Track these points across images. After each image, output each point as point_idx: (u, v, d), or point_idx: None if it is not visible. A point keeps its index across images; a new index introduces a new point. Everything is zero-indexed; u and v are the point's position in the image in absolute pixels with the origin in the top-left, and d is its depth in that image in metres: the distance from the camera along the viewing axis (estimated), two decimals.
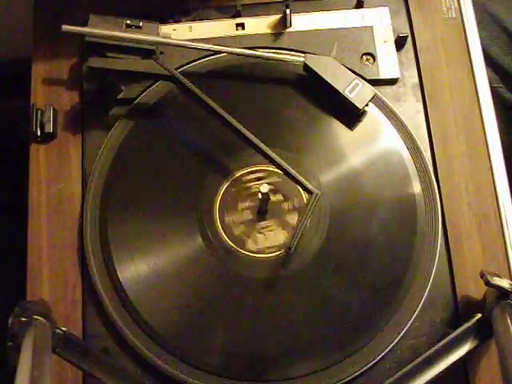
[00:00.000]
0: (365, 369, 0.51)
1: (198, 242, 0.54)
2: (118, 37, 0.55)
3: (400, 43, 0.61)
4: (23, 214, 0.56)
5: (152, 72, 0.58)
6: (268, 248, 0.54)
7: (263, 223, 0.55)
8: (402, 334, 0.51)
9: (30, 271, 0.55)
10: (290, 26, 0.62)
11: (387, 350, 0.51)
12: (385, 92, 0.59)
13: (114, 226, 0.55)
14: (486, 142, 0.57)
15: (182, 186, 0.57)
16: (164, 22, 0.61)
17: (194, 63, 0.60)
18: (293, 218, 0.55)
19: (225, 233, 0.55)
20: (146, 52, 0.57)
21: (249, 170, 0.57)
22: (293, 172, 0.53)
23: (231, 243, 0.54)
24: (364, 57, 0.60)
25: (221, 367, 0.51)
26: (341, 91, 0.57)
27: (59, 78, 0.61)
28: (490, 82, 0.60)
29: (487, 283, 0.48)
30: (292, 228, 0.54)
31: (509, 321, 0.46)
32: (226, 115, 0.55)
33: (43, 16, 0.62)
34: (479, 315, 0.50)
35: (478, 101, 0.59)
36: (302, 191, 0.55)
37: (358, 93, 0.56)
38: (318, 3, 0.63)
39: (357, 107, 0.56)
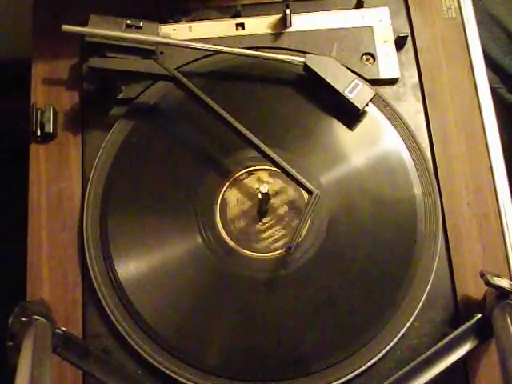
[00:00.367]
0: (365, 369, 0.51)
1: (197, 242, 0.54)
2: (118, 37, 0.55)
3: (400, 43, 0.61)
4: (23, 213, 0.56)
5: (152, 72, 0.58)
6: (268, 248, 0.54)
7: (263, 223, 0.55)
8: (401, 333, 0.51)
9: (30, 271, 0.55)
10: (290, 25, 0.62)
11: (387, 349, 0.51)
12: (385, 92, 0.59)
13: (113, 226, 0.55)
14: (486, 142, 0.57)
15: (182, 186, 0.57)
16: (164, 22, 0.61)
17: (193, 63, 0.60)
18: (293, 218, 0.55)
19: (225, 233, 0.55)
20: (146, 52, 0.56)
21: (249, 170, 0.57)
22: (293, 172, 0.53)
23: (231, 243, 0.54)
24: (364, 57, 0.60)
25: (221, 367, 0.51)
26: (341, 91, 0.57)
27: (59, 78, 0.61)
28: (490, 83, 0.60)
29: (487, 283, 0.48)
30: (292, 228, 0.54)
31: (509, 321, 0.46)
32: (225, 115, 0.55)
33: (43, 16, 0.62)
34: (479, 315, 0.50)
35: (478, 101, 0.59)
36: (302, 191, 0.55)
37: (358, 93, 0.56)
38: (317, 3, 0.63)
39: (357, 107, 0.56)
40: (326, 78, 0.57)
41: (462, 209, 0.55)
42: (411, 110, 0.59)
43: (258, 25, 0.62)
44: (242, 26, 0.62)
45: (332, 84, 0.57)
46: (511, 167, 0.58)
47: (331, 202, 0.55)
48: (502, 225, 0.55)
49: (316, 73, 0.57)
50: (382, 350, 0.51)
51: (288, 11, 0.60)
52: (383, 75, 0.59)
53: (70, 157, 0.58)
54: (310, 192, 0.53)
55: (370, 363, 0.51)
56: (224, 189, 0.56)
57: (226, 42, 0.61)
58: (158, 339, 0.51)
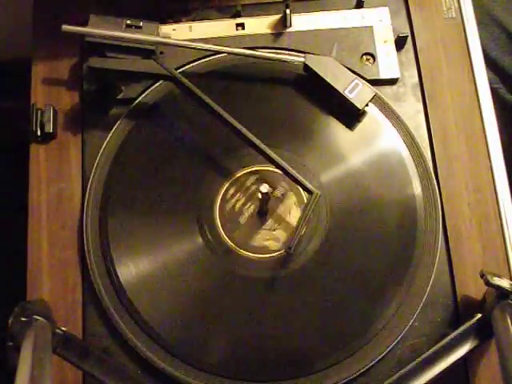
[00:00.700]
0: (365, 369, 0.51)
1: (197, 242, 0.54)
2: (118, 37, 0.55)
3: (400, 43, 0.61)
4: (23, 213, 0.56)
5: (152, 72, 0.58)
6: (268, 248, 0.54)
7: (263, 223, 0.55)
8: (402, 334, 0.51)
9: (30, 271, 0.55)
10: (290, 25, 0.62)
11: (387, 349, 0.51)
12: (385, 92, 0.59)
13: (114, 226, 0.55)
14: (486, 142, 0.57)
15: (182, 186, 0.57)
16: (164, 22, 0.61)
17: (193, 63, 0.60)
18: (293, 218, 0.55)
19: (225, 233, 0.55)
20: (146, 52, 0.57)
21: (249, 170, 0.57)
22: (293, 172, 0.53)
23: (231, 243, 0.54)
24: (364, 57, 0.60)
25: (221, 367, 0.51)
26: (341, 91, 0.57)
27: (59, 78, 0.61)
28: (490, 83, 0.60)
29: (487, 283, 0.48)
30: (292, 228, 0.54)
31: (509, 321, 0.46)
32: (225, 115, 0.55)
33: (43, 16, 0.62)
34: (479, 315, 0.50)
35: (478, 101, 0.59)
36: (302, 191, 0.55)
37: (357, 93, 0.56)
38: (317, 3, 0.63)
39: (357, 107, 0.56)
40: (325, 78, 0.57)
41: (462, 209, 0.55)
42: (411, 109, 0.59)
43: (258, 25, 0.62)
44: (242, 26, 0.62)
45: (332, 84, 0.57)
46: (511, 167, 0.58)
47: (331, 202, 0.55)
48: (501, 225, 0.55)
49: (316, 73, 0.57)
50: (382, 350, 0.51)
51: (288, 11, 0.60)
52: (383, 75, 0.59)
53: (70, 157, 0.58)
54: (310, 192, 0.53)
55: (370, 363, 0.51)
56: (224, 189, 0.56)
57: (226, 42, 0.61)
58: (158, 339, 0.51)
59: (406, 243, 0.54)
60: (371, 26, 0.61)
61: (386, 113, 0.58)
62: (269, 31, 0.62)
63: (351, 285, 0.53)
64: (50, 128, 0.58)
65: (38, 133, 0.58)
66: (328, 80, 0.57)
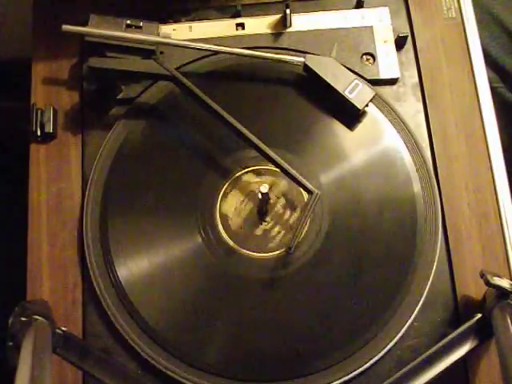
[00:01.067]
0: (365, 369, 0.51)
1: (197, 242, 0.54)
2: (118, 37, 0.55)
3: (400, 43, 0.61)
4: (23, 213, 0.56)
5: (152, 72, 0.58)
6: (268, 248, 0.54)
7: (263, 223, 0.55)
8: (401, 333, 0.51)
9: (30, 271, 0.55)
10: (290, 25, 0.62)
11: (387, 349, 0.51)
12: (385, 92, 0.59)
13: (114, 226, 0.55)
14: (486, 142, 0.57)
15: (182, 186, 0.57)
16: (164, 22, 0.61)
17: (193, 63, 0.60)
18: (293, 218, 0.55)
19: (225, 233, 0.55)
20: (146, 52, 0.57)
21: (249, 170, 0.57)
22: (293, 172, 0.53)
23: (231, 243, 0.54)
24: (364, 57, 0.60)
25: (221, 367, 0.51)
26: (341, 91, 0.57)
27: (59, 78, 0.61)
28: (490, 82, 0.60)
29: (487, 283, 0.48)
30: (292, 228, 0.54)
31: (509, 321, 0.46)
32: (225, 115, 0.55)
33: (43, 16, 0.62)
34: (479, 315, 0.50)
35: (478, 101, 0.59)
36: (302, 191, 0.55)
37: (358, 93, 0.56)
38: (317, 3, 0.63)
39: (357, 108, 0.56)
40: (325, 78, 0.57)
41: (462, 209, 0.55)
42: (411, 109, 0.59)
43: (258, 25, 0.62)
44: (242, 25, 0.62)
45: (332, 84, 0.57)
46: (511, 167, 0.58)
47: (331, 201, 0.55)
48: (501, 225, 0.55)
49: (316, 73, 0.57)
50: (382, 350, 0.51)
51: (288, 11, 0.60)
52: (383, 75, 0.59)
53: (70, 157, 0.58)
54: (310, 192, 0.53)
55: (370, 363, 0.51)
56: (224, 189, 0.56)
57: (226, 41, 0.61)
58: (158, 339, 0.51)
59: (405, 243, 0.54)
60: (371, 26, 0.61)
61: (386, 113, 0.58)
62: (269, 31, 0.62)
63: (351, 285, 0.53)
64: (50, 128, 0.58)
65: (38, 133, 0.58)
66: (328, 80, 0.57)
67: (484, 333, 0.50)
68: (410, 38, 0.61)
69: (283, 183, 0.56)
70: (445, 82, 0.59)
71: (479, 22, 0.62)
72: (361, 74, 0.59)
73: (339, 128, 0.58)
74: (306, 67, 0.58)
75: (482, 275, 0.49)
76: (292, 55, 0.59)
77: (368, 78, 0.59)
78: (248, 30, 0.62)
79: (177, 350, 0.51)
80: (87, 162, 0.58)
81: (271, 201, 0.55)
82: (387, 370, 0.51)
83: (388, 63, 0.60)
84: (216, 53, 0.60)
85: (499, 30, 0.77)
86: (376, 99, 0.58)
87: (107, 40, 0.56)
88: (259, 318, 0.52)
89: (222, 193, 0.56)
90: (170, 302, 0.53)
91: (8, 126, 0.80)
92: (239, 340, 0.52)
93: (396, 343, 0.51)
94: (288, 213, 0.55)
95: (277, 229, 0.55)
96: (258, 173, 0.57)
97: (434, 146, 0.57)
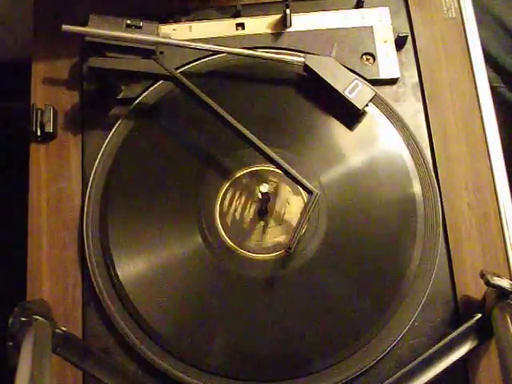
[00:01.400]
0: (365, 369, 0.51)
1: (197, 242, 0.54)
2: (118, 37, 0.55)
3: (400, 43, 0.61)
4: (23, 213, 0.56)
5: (152, 72, 0.58)
6: (268, 248, 0.54)
7: (263, 223, 0.55)
8: (401, 334, 0.51)
9: (30, 271, 0.55)
10: (290, 25, 0.62)
11: (387, 349, 0.51)
12: (385, 92, 0.59)
13: (114, 226, 0.55)
14: (486, 142, 0.57)
15: (182, 186, 0.57)
16: (164, 22, 0.61)
17: (193, 63, 0.60)
18: (293, 218, 0.55)
19: (225, 233, 0.55)
20: (146, 52, 0.56)
21: (249, 170, 0.57)
22: (293, 172, 0.53)
23: (231, 243, 0.54)
24: (364, 57, 0.60)
25: (221, 367, 0.51)
26: (341, 92, 0.57)
27: (59, 78, 0.61)
28: (491, 82, 0.60)
29: (487, 283, 0.48)
30: (292, 228, 0.54)
31: (509, 321, 0.46)
32: (225, 115, 0.55)
33: (43, 16, 0.62)
34: (479, 315, 0.50)
35: (478, 101, 0.59)
36: (302, 191, 0.55)
37: (357, 93, 0.56)
38: (317, 3, 0.63)
39: (357, 108, 0.56)
40: (325, 79, 0.57)
41: (462, 209, 0.55)
42: (411, 109, 0.59)
43: (258, 25, 0.62)
44: (242, 25, 0.62)
45: (332, 84, 0.57)
46: (511, 167, 0.58)
47: (331, 202, 0.55)
48: (501, 225, 0.55)
49: (316, 73, 0.57)
50: (382, 350, 0.51)
51: (288, 11, 0.60)
52: (383, 75, 0.59)
53: (70, 157, 0.58)
54: (310, 192, 0.53)
55: (370, 363, 0.51)
56: (224, 189, 0.56)
57: (226, 41, 0.61)
58: (157, 339, 0.51)
59: (405, 243, 0.54)
60: (371, 26, 0.61)
61: (386, 113, 0.58)
62: (269, 31, 0.62)
63: (351, 285, 0.53)
64: (50, 128, 0.58)
65: (38, 133, 0.58)
66: (328, 80, 0.57)
67: (484, 333, 0.50)
68: (410, 38, 0.61)
69: (283, 183, 0.56)
70: (445, 81, 0.59)
71: (479, 22, 0.62)
72: (361, 73, 0.59)
73: (339, 128, 0.58)
74: (305, 67, 0.58)
75: (482, 275, 0.49)
76: (292, 55, 0.59)
77: (368, 77, 0.59)
78: (248, 30, 0.62)
79: (177, 350, 0.51)
80: (87, 162, 0.58)
81: (271, 201, 0.55)
82: (387, 369, 0.51)
83: (388, 63, 0.60)
84: (216, 53, 0.60)
85: (500, 29, 0.77)
86: (376, 99, 0.58)
87: (107, 40, 0.56)
88: (259, 318, 0.52)
89: (221, 193, 0.56)
90: (169, 302, 0.53)
91: (8, 126, 0.80)
92: (239, 340, 0.52)
93: (396, 343, 0.51)
94: (288, 213, 0.55)
95: (277, 229, 0.55)
96: (257, 173, 0.57)
97: (434, 146, 0.57)
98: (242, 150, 0.57)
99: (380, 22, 0.61)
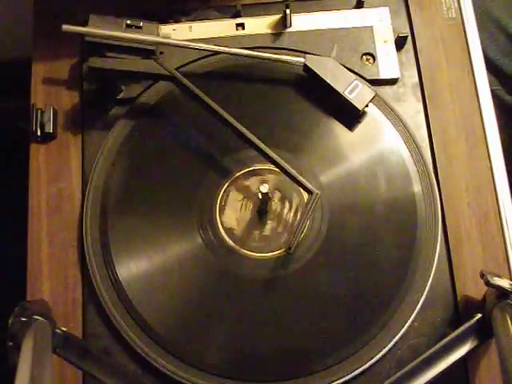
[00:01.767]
0: (365, 369, 0.51)
1: (197, 242, 0.54)
2: (118, 37, 0.55)
3: (400, 43, 0.61)
4: (23, 214, 0.56)
5: (152, 72, 0.58)
6: (268, 248, 0.54)
7: (263, 223, 0.55)
8: (401, 333, 0.51)
9: (30, 271, 0.55)
10: (290, 26, 0.62)
11: (387, 349, 0.51)
12: (385, 92, 0.59)
13: (113, 226, 0.55)
14: (486, 142, 0.57)
15: (182, 186, 0.57)
16: (164, 22, 0.62)
17: (193, 63, 0.60)
18: (293, 218, 0.55)
19: (225, 233, 0.55)
20: (146, 52, 0.56)
21: (249, 170, 0.57)
22: (293, 172, 0.53)
23: (231, 243, 0.54)
24: (364, 57, 0.60)
25: (221, 367, 0.51)
26: (341, 92, 0.57)
27: (59, 78, 0.61)
28: (489, 85, 0.60)
29: (487, 283, 0.48)
30: (292, 228, 0.54)
31: (509, 321, 0.46)
32: (225, 115, 0.55)
33: (43, 16, 0.62)
34: (479, 315, 0.50)
35: (478, 101, 0.59)
36: (302, 191, 0.55)
37: (357, 94, 0.56)
38: (318, 3, 0.63)
39: (357, 108, 0.56)
40: (325, 79, 0.57)
41: (462, 209, 0.55)
42: (411, 109, 0.59)
43: (258, 25, 0.62)
44: (242, 25, 0.62)
45: (332, 84, 0.57)
46: (511, 167, 0.58)
47: (331, 201, 0.55)
48: (501, 225, 0.55)
49: (316, 73, 0.57)
50: (382, 350, 0.51)
51: (288, 11, 0.60)
52: (383, 75, 0.59)
53: (70, 157, 0.58)
54: (310, 192, 0.53)
55: (369, 363, 0.51)
56: (224, 189, 0.56)
57: (226, 41, 0.61)
58: (157, 339, 0.51)
59: (405, 243, 0.54)
60: (371, 26, 0.61)
61: (386, 113, 0.58)
62: (269, 31, 0.62)
63: (351, 285, 0.53)
64: (50, 128, 0.58)
65: (38, 133, 0.58)
66: (328, 80, 0.57)
67: (484, 333, 0.50)
68: (410, 38, 0.61)
69: (283, 183, 0.56)
70: (445, 81, 0.59)
71: (478, 23, 0.62)
72: (361, 74, 0.59)
73: (339, 128, 0.58)
74: (305, 67, 0.58)
75: (482, 275, 0.49)
76: (292, 55, 0.59)
77: (368, 78, 0.59)
78: (248, 30, 0.62)
79: (176, 350, 0.51)
80: (87, 162, 0.58)
81: (271, 201, 0.55)
82: (387, 369, 0.51)
83: (388, 63, 0.60)
84: (216, 53, 0.60)
85: (498, 31, 0.77)
86: (376, 99, 0.58)
87: (107, 40, 0.56)
88: (259, 318, 0.52)
89: (221, 193, 0.56)
90: (169, 301, 0.53)
91: (8, 126, 0.80)
92: (239, 340, 0.52)
93: (396, 343, 0.51)
94: (288, 213, 0.55)
95: (277, 229, 0.55)
96: (257, 173, 0.57)
97: (434, 146, 0.57)
98: (242, 150, 0.57)
99: (380, 22, 0.61)
